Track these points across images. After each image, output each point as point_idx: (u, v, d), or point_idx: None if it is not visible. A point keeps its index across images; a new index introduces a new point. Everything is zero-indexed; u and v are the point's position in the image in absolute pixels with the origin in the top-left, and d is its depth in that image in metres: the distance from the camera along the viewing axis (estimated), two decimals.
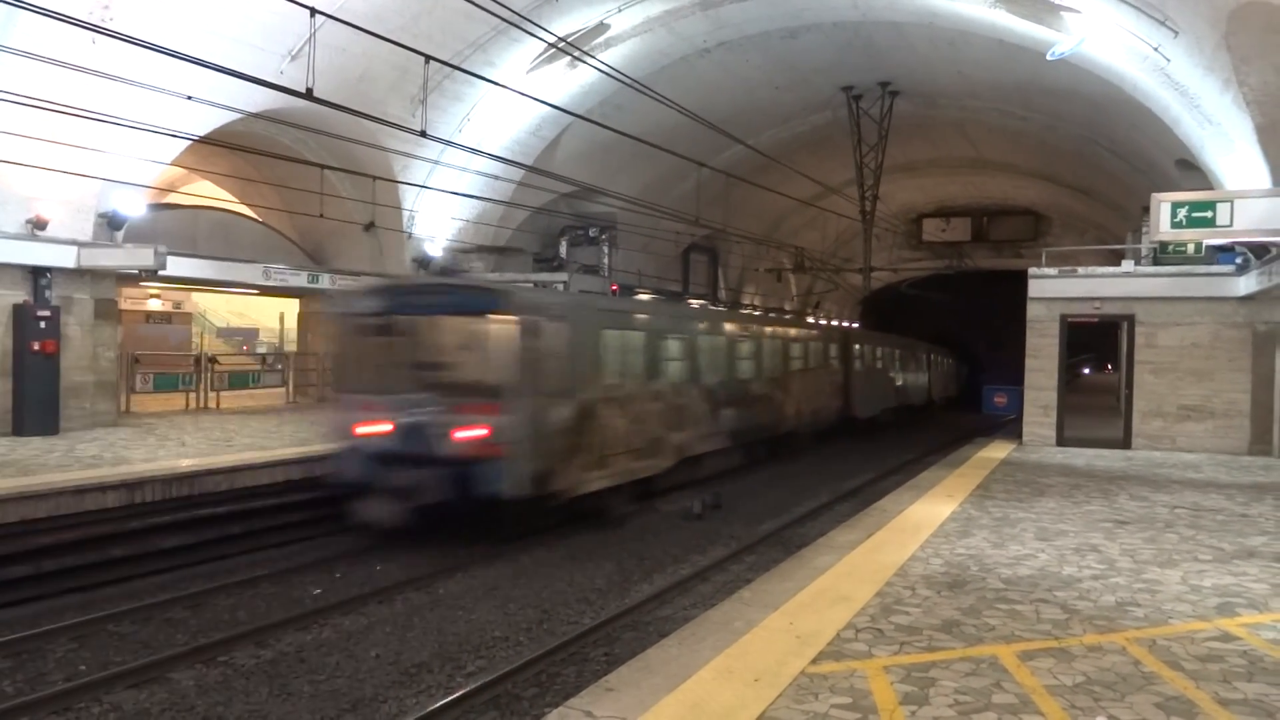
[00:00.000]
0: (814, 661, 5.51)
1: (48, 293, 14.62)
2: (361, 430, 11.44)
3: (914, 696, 5.00)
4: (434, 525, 11.36)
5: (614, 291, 22.92)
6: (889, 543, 8.83)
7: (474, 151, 15.66)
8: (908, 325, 53.55)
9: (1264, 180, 13.28)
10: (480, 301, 11.64)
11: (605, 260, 25.01)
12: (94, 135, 13.55)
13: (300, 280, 19.55)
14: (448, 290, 12.04)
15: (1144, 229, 18.40)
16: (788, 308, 41.45)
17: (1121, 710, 4.86)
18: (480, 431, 10.88)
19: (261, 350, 31.84)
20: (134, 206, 15.36)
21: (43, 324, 14.51)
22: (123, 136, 13.99)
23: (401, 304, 11.91)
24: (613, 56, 19.21)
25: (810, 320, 31.01)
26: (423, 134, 12.97)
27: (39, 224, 14.14)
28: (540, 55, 18.52)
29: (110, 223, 15.11)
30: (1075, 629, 6.23)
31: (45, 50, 11.96)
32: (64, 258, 14.50)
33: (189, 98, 12.41)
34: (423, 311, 11.76)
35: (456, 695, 7.16)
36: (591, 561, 12.00)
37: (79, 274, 14.91)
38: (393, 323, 11.77)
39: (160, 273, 15.19)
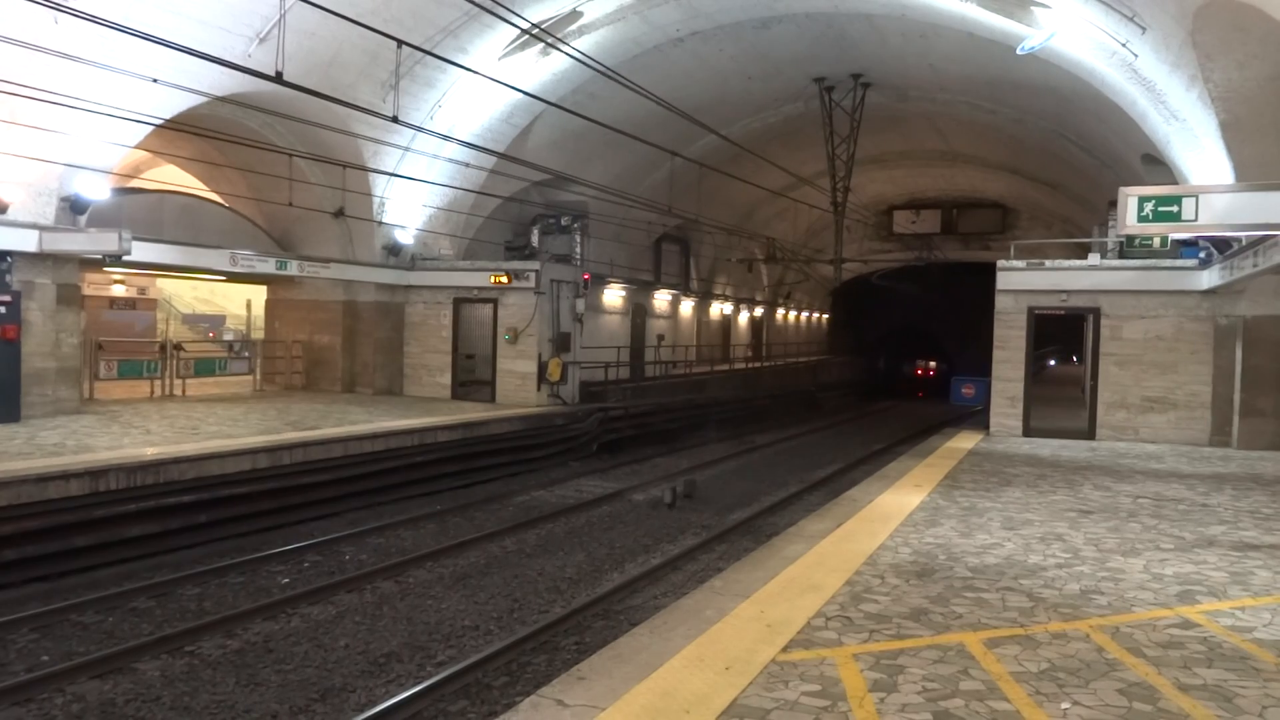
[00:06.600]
0: (784, 649, 5.55)
1: (8, 277, 14.33)
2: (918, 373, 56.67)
3: (883, 684, 5.05)
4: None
5: (586, 280, 22.89)
6: (858, 532, 8.90)
7: (445, 138, 15.54)
8: (878, 317, 54.04)
9: (1228, 176, 13.49)
10: None
11: (577, 249, 24.93)
12: (57, 118, 13.29)
13: (268, 266, 19.29)
14: None
15: (1110, 222, 18.65)
16: (759, 298, 41.61)
17: (1085, 696, 4.94)
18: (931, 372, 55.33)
19: (228, 337, 31.44)
20: (98, 190, 15.07)
21: (3, 309, 14.23)
22: (86, 119, 13.74)
23: None
24: (585, 44, 19.12)
25: None
26: (394, 119, 12.87)
27: None
28: (513, 42, 18.38)
29: (73, 206, 14.82)
30: (1040, 617, 6.32)
31: (5, 30, 11.71)
32: (25, 242, 14.20)
33: (155, 80, 12.21)
34: None
35: (426, 684, 7.14)
36: (562, 551, 12.02)
37: (41, 258, 14.63)
38: None
39: (125, 258, 14.91)
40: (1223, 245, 15.17)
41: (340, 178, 18.56)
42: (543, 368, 21.20)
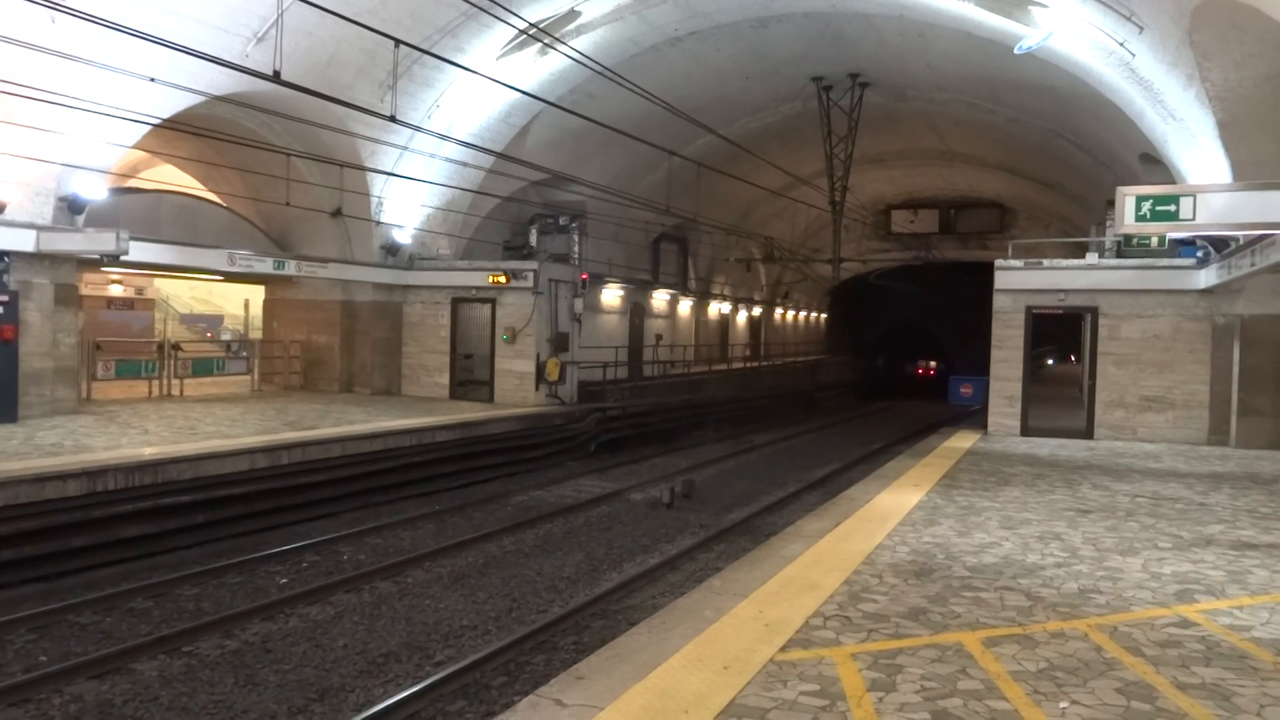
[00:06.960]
0: (783, 649, 5.55)
1: (6, 277, 14.31)
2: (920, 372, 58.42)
3: (881, 683, 5.05)
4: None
5: (584, 280, 22.88)
6: (857, 531, 8.90)
7: (443, 138, 15.53)
8: (876, 316, 54.06)
9: (1225, 175, 13.50)
10: None
11: (575, 249, 24.91)
12: (54, 117, 13.27)
13: (266, 266, 19.27)
14: None
15: (1108, 222, 18.65)
16: (757, 298, 41.62)
17: (1084, 695, 4.94)
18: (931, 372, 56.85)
19: (226, 337, 31.41)
20: (95, 190, 15.06)
21: (1, 309, 14.22)
22: (84, 119, 13.72)
23: None
24: (584, 44, 19.12)
25: None
26: (392, 119, 12.85)
27: None
28: (511, 41, 18.37)
29: (71, 206, 14.81)
30: (1039, 616, 6.32)
31: (2, 29, 11.69)
32: (23, 242, 14.19)
33: (152, 80, 12.19)
34: None
35: (425, 684, 7.14)
36: (560, 551, 12.01)
37: (38, 258, 14.61)
38: None
39: (122, 258, 14.90)
40: (1220, 244, 15.18)
41: (338, 177, 18.55)
42: (541, 367, 21.19)
